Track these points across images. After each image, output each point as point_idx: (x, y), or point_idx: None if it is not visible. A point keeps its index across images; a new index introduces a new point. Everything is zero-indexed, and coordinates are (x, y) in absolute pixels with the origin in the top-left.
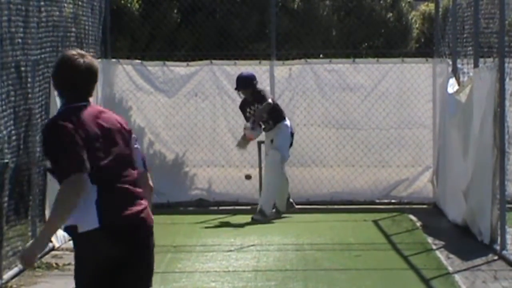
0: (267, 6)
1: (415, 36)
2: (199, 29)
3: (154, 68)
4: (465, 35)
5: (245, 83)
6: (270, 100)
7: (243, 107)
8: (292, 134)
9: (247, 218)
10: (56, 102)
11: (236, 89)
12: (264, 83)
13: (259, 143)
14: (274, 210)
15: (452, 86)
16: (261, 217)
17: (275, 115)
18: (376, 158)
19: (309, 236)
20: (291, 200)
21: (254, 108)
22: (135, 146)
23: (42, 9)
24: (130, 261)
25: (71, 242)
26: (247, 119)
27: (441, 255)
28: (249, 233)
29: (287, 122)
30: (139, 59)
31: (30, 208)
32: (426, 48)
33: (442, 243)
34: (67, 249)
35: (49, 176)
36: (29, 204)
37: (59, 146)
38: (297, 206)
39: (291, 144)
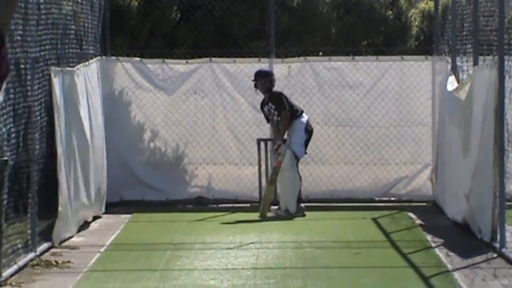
0: (266, 3)
1: (414, 34)
2: (199, 27)
3: (154, 65)
4: (464, 33)
5: (260, 75)
6: (287, 107)
7: (262, 107)
8: (308, 131)
9: (247, 215)
10: (57, 100)
11: (254, 81)
12: None
13: (258, 141)
14: (280, 210)
15: (452, 83)
16: (286, 214)
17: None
18: (375, 156)
19: (308, 234)
20: (301, 205)
21: (268, 107)
22: None
23: (42, 6)
24: None
25: (70, 240)
26: (267, 119)
27: (441, 253)
28: (248, 230)
29: (304, 118)
30: (138, 56)
31: (30, 205)
32: (426, 46)
33: (442, 240)
34: (66, 247)
35: (49, 175)
36: (28, 201)
37: None
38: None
39: (308, 141)
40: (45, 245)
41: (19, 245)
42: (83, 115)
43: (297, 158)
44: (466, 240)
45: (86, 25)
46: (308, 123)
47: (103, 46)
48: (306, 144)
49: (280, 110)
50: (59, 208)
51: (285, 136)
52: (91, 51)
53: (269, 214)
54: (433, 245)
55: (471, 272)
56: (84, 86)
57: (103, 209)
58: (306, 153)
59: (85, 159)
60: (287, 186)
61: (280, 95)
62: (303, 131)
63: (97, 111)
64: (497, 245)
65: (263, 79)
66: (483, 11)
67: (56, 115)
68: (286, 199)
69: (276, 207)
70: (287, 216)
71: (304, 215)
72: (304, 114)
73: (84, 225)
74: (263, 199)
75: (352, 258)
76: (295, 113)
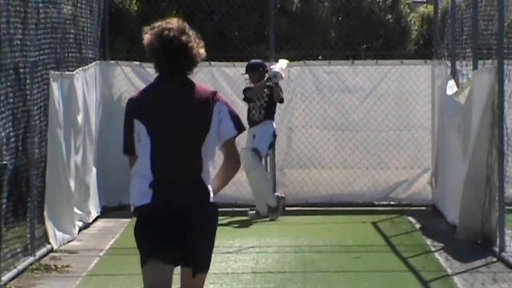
0: (265, 7)
1: (414, 38)
2: (198, 31)
3: (153, 69)
4: (464, 37)
5: (254, 66)
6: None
7: (245, 91)
8: (275, 136)
9: (246, 219)
10: (55, 103)
11: (246, 72)
12: None
13: None
14: (254, 212)
15: (451, 87)
16: (273, 214)
17: (268, 110)
18: (375, 160)
19: (308, 238)
20: (277, 194)
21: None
22: None
23: (41, 10)
24: None
25: (69, 244)
26: (248, 100)
27: (440, 257)
28: (247, 235)
29: (274, 124)
30: (137, 60)
31: (29, 209)
32: (425, 50)
33: (441, 245)
34: (65, 251)
35: (48, 178)
36: (27, 205)
37: None
38: (295, 208)
39: (271, 145)
40: (44, 249)
41: (18, 249)
42: (79, 120)
43: (260, 156)
44: (466, 244)
45: (85, 29)
46: (276, 129)
47: (103, 50)
48: (270, 146)
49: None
50: (44, 213)
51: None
52: (90, 55)
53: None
54: (432, 249)
55: (470, 276)
56: (82, 90)
57: (96, 214)
58: (268, 154)
59: (78, 163)
60: (259, 184)
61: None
62: (271, 133)
63: (92, 115)
64: (497, 249)
65: (257, 68)
66: (483, 15)
67: (53, 119)
68: (263, 196)
69: (253, 211)
70: (275, 215)
71: (284, 200)
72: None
73: (83, 229)
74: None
75: (352, 262)
76: (272, 115)
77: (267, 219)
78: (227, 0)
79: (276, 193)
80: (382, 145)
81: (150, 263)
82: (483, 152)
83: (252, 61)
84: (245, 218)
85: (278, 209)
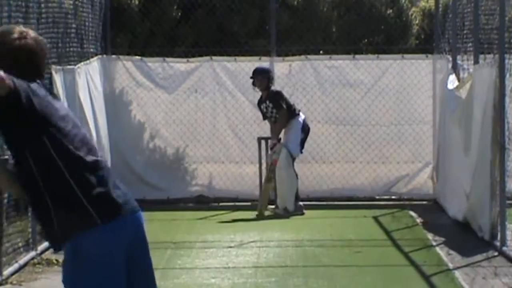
0: (267, 2)
1: (415, 32)
2: (199, 25)
3: (154, 64)
4: (465, 31)
5: (258, 72)
6: (284, 106)
7: (259, 104)
8: (304, 130)
9: (247, 214)
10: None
11: (252, 79)
12: None
13: (259, 139)
14: (278, 209)
15: (452, 82)
16: (284, 212)
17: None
18: (376, 154)
19: (309, 232)
20: (300, 203)
21: (266, 105)
22: None
23: (42, 5)
24: None
25: None
26: (264, 116)
27: (441, 251)
28: (249, 229)
29: (300, 118)
30: (139, 55)
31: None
32: (426, 44)
33: (442, 239)
34: None
35: None
36: None
37: None
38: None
39: (304, 140)
40: (46, 244)
41: (20, 244)
42: (87, 114)
43: (292, 157)
44: (467, 238)
45: (86, 23)
46: (304, 122)
47: (104, 44)
48: (303, 143)
49: (278, 109)
50: None
51: (281, 135)
52: (91, 50)
53: (267, 213)
54: (434, 243)
55: (472, 270)
56: (86, 84)
57: None
58: (302, 152)
59: None
60: (284, 185)
61: (278, 94)
62: (299, 131)
63: (101, 110)
64: (498, 244)
65: (261, 76)
66: (484, 9)
67: None
68: (284, 197)
69: (273, 206)
70: (285, 214)
71: (303, 214)
72: (301, 114)
73: None
74: (261, 197)
75: (353, 256)
76: (292, 112)
77: (270, 213)
78: None
79: (300, 203)
80: (383, 139)
81: None
82: (486, 147)
83: (260, 66)
84: (246, 212)
85: (289, 213)
